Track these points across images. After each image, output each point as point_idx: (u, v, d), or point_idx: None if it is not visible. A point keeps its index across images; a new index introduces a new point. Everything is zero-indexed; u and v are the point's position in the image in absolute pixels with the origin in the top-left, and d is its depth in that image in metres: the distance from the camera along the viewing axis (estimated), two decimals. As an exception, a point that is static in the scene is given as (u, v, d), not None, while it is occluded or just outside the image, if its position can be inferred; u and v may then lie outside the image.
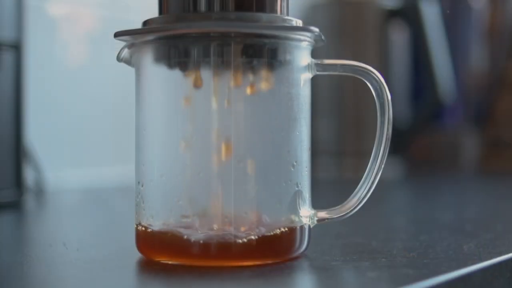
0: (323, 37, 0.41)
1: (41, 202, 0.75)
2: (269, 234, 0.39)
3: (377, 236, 0.52)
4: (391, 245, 0.47)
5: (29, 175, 0.77)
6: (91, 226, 0.59)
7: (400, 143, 1.04)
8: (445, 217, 0.64)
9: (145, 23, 0.41)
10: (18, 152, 0.69)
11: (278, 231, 0.40)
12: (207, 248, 0.39)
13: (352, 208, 0.43)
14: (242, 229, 0.39)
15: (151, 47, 0.41)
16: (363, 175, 0.43)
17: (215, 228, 0.39)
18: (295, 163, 0.41)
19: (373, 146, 0.42)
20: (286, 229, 0.40)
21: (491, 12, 1.24)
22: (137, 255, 0.42)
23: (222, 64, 0.39)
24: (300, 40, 0.41)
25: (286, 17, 0.41)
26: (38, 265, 0.42)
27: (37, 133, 0.81)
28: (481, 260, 0.40)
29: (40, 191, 0.78)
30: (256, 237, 0.39)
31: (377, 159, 0.42)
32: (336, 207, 0.43)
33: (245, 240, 0.39)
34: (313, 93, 0.43)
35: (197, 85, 0.40)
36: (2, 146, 0.67)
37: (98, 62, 0.90)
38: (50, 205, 0.75)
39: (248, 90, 0.40)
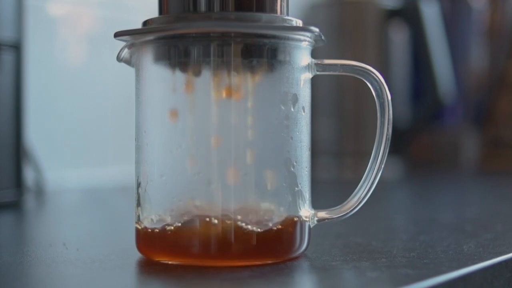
0: (323, 37, 0.41)
1: (41, 202, 0.75)
2: (269, 234, 0.39)
3: (377, 236, 0.52)
4: (391, 245, 0.47)
5: (29, 175, 0.77)
6: (91, 226, 0.59)
7: (400, 143, 1.04)
8: (445, 217, 0.64)
9: (145, 23, 0.41)
10: (18, 152, 0.69)
11: (278, 231, 0.40)
12: (207, 248, 0.39)
13: (352, 208, 0.43)
14: (242, 229, 0.39)
15: (151, 47, 0.41)
16: (363, 175, 0.43)
17: (214, 228, 0.39)
18: (295, 163, 0.41)
19: (373, 146, 0.42)
20: (286, 229, 0.40)
21: (491, 12, 1.24)
22: (137, 255, 0.42)
23: (222, 64, 0.39)
24: (300, 40, 0.41)
25: (286, 17, 0.41)
26: (38, 265, 0.42)
27: (37, 133, 0.81)
28: (481, 260, 0.40)
29: (40, 191, 0.78)
30: (256, 237, 0.39)
31: (377, 159, 0.42)
32: (336, 207, 0.43)
33: (245, 240, 0.39)
34: (313, 93, 0.43)
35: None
36: (2, 146, 0.67)
37: (98, 62, 0.90)
38: (50, 205, 0.75)
39: (248, 90, 0.40)
